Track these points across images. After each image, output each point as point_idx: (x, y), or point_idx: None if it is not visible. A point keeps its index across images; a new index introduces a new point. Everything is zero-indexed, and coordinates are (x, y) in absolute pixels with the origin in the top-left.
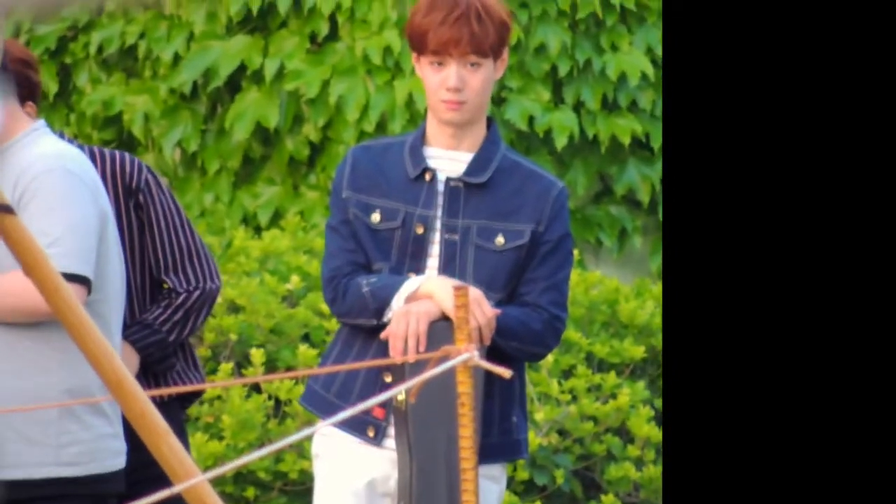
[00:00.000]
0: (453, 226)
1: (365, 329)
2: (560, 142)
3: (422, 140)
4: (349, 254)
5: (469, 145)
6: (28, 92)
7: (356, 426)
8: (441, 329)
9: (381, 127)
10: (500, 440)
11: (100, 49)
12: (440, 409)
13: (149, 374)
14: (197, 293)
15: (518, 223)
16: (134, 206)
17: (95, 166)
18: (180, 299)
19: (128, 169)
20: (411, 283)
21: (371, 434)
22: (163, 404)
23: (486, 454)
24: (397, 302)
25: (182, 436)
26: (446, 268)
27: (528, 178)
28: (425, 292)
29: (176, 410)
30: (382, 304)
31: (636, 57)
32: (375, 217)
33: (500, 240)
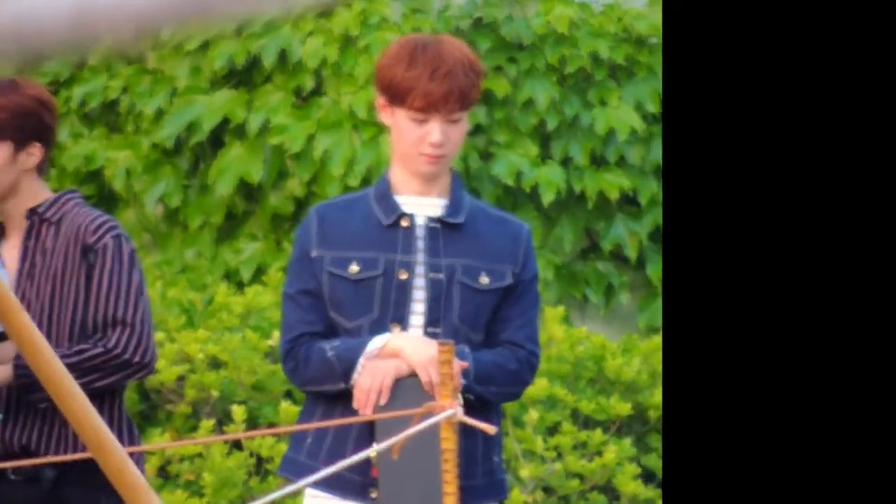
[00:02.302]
0: (437, 265)
1: (326, 395)
2: (547, 197)
3: (389, 189)
4: (308, 325)
5: (439, 191)
6: (36, 132)
7: (336, 485)
8: (408, 385)
9: (367, 182)
10: (484, 481)
11: (82, 103)
12: (412, 466)
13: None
14: (109, 357)
15: (499, 264)
16: (87, 261)
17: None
18: (89, 351)
19: (91, 228)
20: (378, 341)
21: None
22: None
23: (472, 496)
24: (364, 361)
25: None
26: (432, 310)
27: (497, 221)
28: (392, 349)
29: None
30: (349, 366)
31: (625, 112)
32: (354, 269)
33: (484, 279)
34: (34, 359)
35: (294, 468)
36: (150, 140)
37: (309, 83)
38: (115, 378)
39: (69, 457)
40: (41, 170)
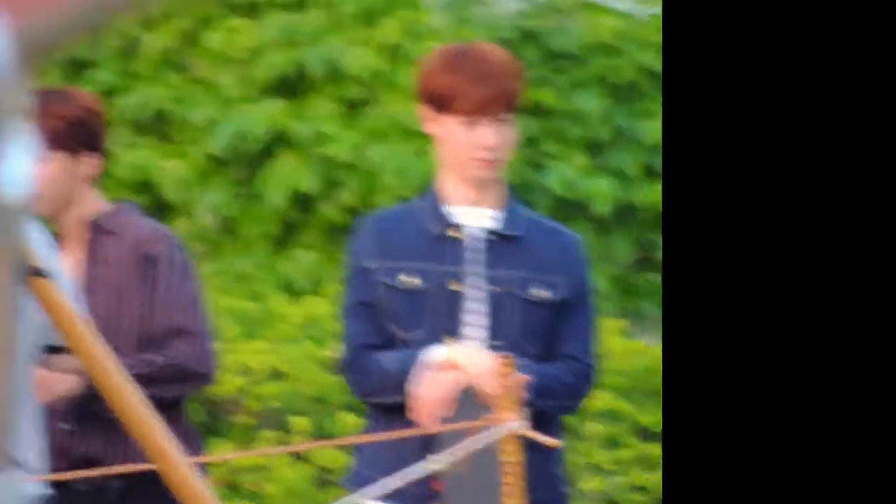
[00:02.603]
0: (493, 278)
1: (386, 407)
2: (600, 208)
3: (438, 199)
4: (366, 336)
5: (492, 202)
6: (89, 142)
7: (396, 497)
8: (468, 398)
9: (421, 191)
10: (545, 495)
11: (132, 113)
12: (474, 479)
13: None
14: (172, 367)
15: (555, 276)
16: (147, 271)
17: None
18: (153, 361)
19: (150, 238)
20: (437, 352)
21: None
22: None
23: None
24: (423, 373)
25: None
26: (488, 321)
27: (550, 233)
28: (452, 361)
29: None
30: (406, 378)
31: None
32: (406, 279)
33: (543, 293)
34: (96, 371)
35: (356, 480)
36: (202, 149)
37: (357, 93)
38: (179, 388)
39: (136, 467)
40: (95, 180)
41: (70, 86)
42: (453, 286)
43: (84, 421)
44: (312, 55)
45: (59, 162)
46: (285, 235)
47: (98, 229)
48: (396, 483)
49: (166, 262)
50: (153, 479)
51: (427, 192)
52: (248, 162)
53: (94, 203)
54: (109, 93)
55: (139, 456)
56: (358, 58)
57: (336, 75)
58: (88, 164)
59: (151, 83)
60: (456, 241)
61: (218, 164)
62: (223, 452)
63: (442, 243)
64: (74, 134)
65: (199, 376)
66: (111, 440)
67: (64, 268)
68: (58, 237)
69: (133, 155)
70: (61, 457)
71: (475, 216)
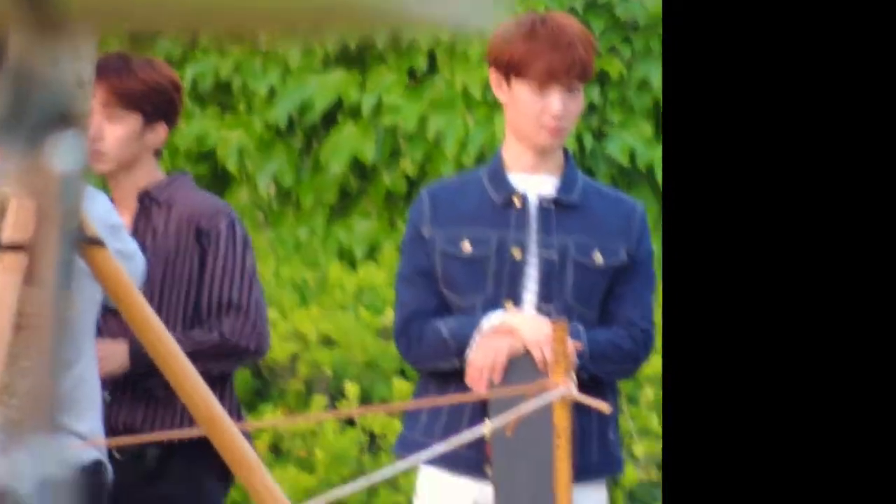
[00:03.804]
0: (550, 243)
1: (440, 373)
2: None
3: (502, 166)
4: (421, 303)
5: (551, 168)
6: (165, 111)
7: (450, 461)
8: (522, 363)
9: (481, 161)
10: (599, 458)
11: (194, 83)
12: (525, 444)
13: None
14: (222, 344)
15: (613, 242)
16: (200, 245)
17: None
18: (202, 337)
19: (206, 212)
20: (493, 318)
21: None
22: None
23: (587, 472)
24: (479, 338)
25: None
26: (545, 287)
27: (611, 200)
28: (507, 326)
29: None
30: (463, 344)
31: None
32: (466, 247)
33: (598, 257)
34: (147, 336)
35: (409, 446)
36: (263, 120)
37: (422, 63)
38: (228, 364)
39: (177, 433)
40: (158, 152)
41: (154, 56)
42: (514, 253)
43: (122, 391)
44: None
45: (131, 124)
46: (344, 204)
47: (148, 199)
48: (446, 448)
49: (219, 236)
50: (190, 448)
51: (493, 158)
52: (310, 132)
53: (151, 173)
54: (171, 62)
55: (175, 425)
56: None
57: (399, 45)
58: (159, 133)
59: (213, 53)
60: (516, 209)
61: (279, 134)
62: (273, 418)
63: (503, 210)
64: (152, 99)
65: (249, 353)
66: (148, 411)
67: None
68: (111, 200)
69: (194, 125)
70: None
71: (535, 183)
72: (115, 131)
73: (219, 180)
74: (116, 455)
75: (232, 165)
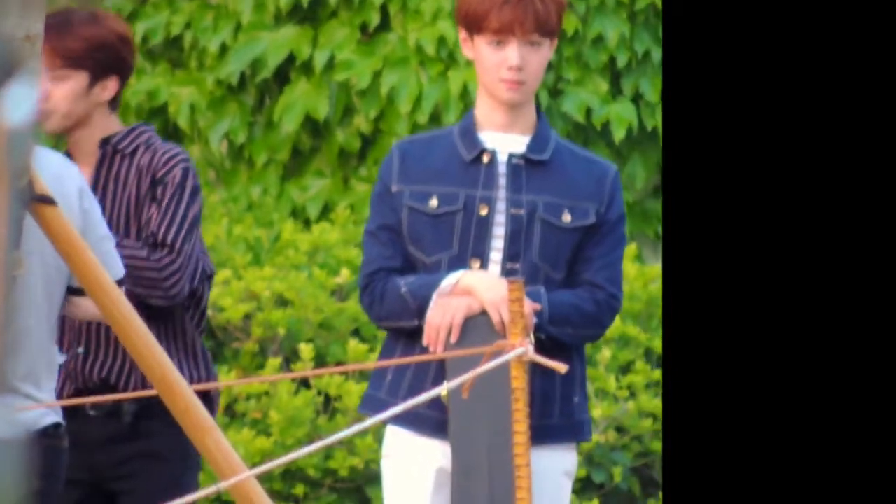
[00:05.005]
0: (518, 201)
1: (406, 332)
2: (618, 134)
3: (473, 124)
4: (386, 260)
5: (522, 127)
6: (113, 65)
7: (413, 421)
8: (479, 324)
9: (435, 119)
10: (561, 421)
11: (144, 39)
12: (482, 405)
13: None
14: (147, 266)
15: (583, 202)
16: (154, 192)
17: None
18: (138, 251)
19: (162, 160)
20: (451, 278)
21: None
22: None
23: (548, 435)
24: (437, 298)
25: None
26: (512, 245)
27: (584, 161)
28: (465, 286)
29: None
30: (423, 303)
31: None
32: (433, 203)
33: (566, 217)
34: (99, 297)
35: (374, 405)
36: (215, 76)
37: (375, 19)
38: (141, 291)
39: (144, 393)
40: (114, 104)
41: (100, 9)
42: (481, 210)
43: (97, 344)
44: None
45: (77, 81)
46: (297, 162)
47: (108, 150)
48: (403, 409)
49: (170, 183)
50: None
51: (465, 116)
52: (262, 89)
53: (110, 125)
54: (122, 18)
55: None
56: None
57: (354, 1)
58: (108, 87)
59: (164, 9)
60: (485, 166)
61: (231, 91)
62: (227, 379)
63: (472, 167)
64: (99, 56)
65: (163, 289)
66: (124, 365)
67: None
68: (70, 156)
69: (145, 81)
70: (76, 381)
71: (506, 141)
72: (61, 89)
73: (170, 137)
74: (91, 412)
75: (183, 122)
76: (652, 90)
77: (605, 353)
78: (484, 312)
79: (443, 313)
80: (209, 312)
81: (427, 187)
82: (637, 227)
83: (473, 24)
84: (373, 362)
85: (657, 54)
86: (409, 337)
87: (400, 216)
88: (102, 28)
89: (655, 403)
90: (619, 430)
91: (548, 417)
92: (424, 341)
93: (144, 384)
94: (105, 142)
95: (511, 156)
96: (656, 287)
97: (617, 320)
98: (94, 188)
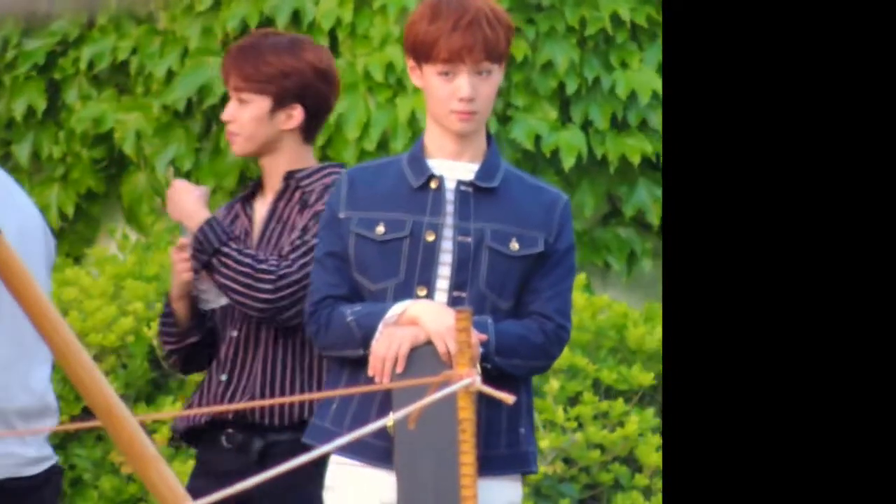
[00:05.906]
0: (466, 229)
1: (351, 360)
2: (567, 162)
3: (422, 151)
4: (332, 287)
5: (472, 154)
6: (298, 94)
7: (358, 451)
8: (425, 354)
9: (383, 146)
10: (507, 451)
11: (90, 64)
12: (428, 435)
13: None
14: (256, 272)
15: (531, 231)
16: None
17: None
18: (253, 259)
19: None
20: (397, 307)
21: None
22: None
23: (493, 466)
24: (382, 327)
25: None
26: (459, 273)
27: (533, 189)
28: (411, 316)
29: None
30: (368, 332)
31: (647, 75)
32: (380, 230)
33: (514, 245)
34: (43, 326)
35: (319, 435)
36: (161, 102)
37: (323, 44)
38: (243, 293)
39: (80, 425)
40: (307, 135)
41: (305, 37)
42: (427, 237)
43: (241, 374)
44: (278, 6)
45: (259, 106)
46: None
47: (291, 184)
48: (348, 440)
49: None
50: (293, 444)
51: (414, 144)
52: (209, 115)
53: (301, 158)
54: (68, 42)
55: (286, 411)
56: (325, 8)
57: (302, 27)
58: (293, 116)
59: (110, 34)
60: (433, 193)
61: (177, 117)
62: (173, 410)
63: (419, 194)
64: (282, 83)
65: (263, 300)
66: (263, 396)
67: (255, 212)
68: (261, 183)
69: (90, 107)
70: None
71: (454, 169)
72: (244, 113)
73: (116, 164)
74: (225, 444)
75: (129, 149)
76: (601, 117)
77: (553, 384)
78: (430, 342)
79: (388, 343)
80: (153, 342)
81: (374, 214)
82: (586, 257)
83: (422, 54)
84: (312, 394)
85: (607, 81)
86: (355, 366)
87: (347, 243)
88: (294, 56)
89: (603, 435)
90: (567, 461)
91: (493, 448)
92: (370, 372)
93: (282, 416)
94: (290, 175)
95: (459, 182)
96: (605, 318)
97: (565, 351)
98: (269, 220)
